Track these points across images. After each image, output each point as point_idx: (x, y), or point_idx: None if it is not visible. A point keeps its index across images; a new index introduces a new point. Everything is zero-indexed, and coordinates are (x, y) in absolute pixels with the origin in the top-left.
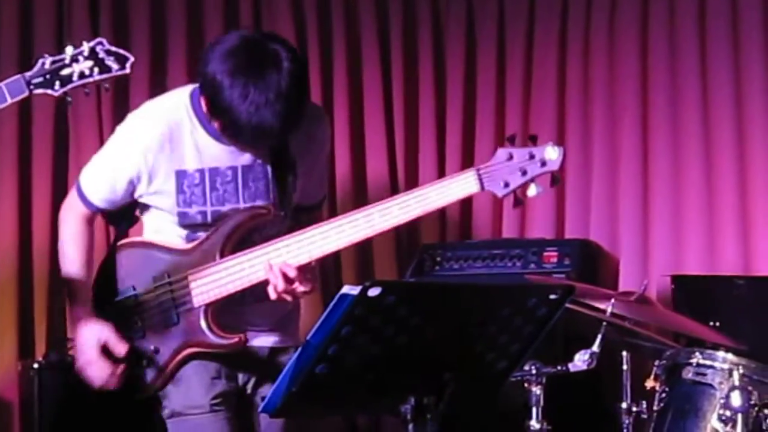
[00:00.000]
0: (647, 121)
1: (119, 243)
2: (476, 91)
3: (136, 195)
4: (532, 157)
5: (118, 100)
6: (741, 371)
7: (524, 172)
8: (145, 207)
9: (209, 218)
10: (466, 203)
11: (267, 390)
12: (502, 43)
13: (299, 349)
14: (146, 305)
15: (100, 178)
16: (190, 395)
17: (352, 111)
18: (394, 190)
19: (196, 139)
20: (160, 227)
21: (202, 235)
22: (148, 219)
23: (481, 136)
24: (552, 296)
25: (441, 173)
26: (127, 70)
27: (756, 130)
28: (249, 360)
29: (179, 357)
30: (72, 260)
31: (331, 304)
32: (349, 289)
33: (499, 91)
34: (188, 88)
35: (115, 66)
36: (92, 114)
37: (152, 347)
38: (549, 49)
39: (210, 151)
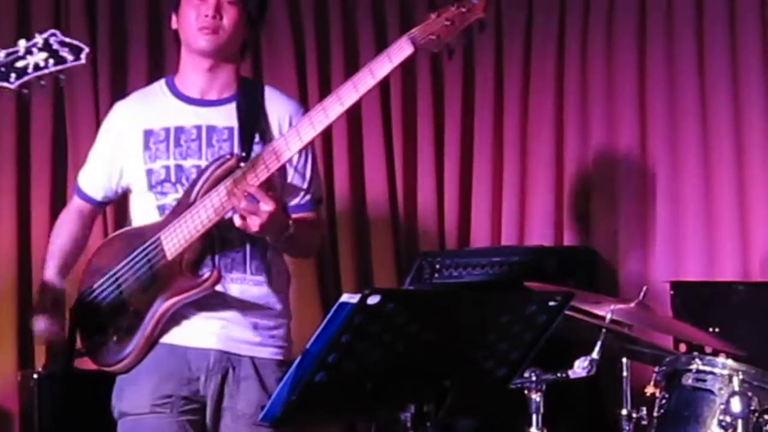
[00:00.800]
0: (645, 128)
1: (104, 241)
2: (474, 100)
3: (115, 174)
4: (457, 8)
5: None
6: (741, 377)
7: (452, 22)
8: (129, 192)
9: (172, 174)
10: (464, 210)
11: (236, 402)
12: (500, 50)
13: (299, 357)
14: (124, 277)
15: (92, 164)
16: (136, 395)
17: (350, 122)
18: (392, 201)
19: (166, 103)
20: (139, 210)
21: (171, 202)
22: (131, 209)
23: (480, 145)
24: (551, 303)
25: (440, 184)
26: (83, 61)
27: (754, 135)
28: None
29: (159, 313)
30: (51, 242)
31: (330, 312)
32: (348, 297)
33: (497, 99)
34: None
35: (69, 57)
36: (91, 121)
37: (131, 309)
38: (546, 56)
39: (177, 112)
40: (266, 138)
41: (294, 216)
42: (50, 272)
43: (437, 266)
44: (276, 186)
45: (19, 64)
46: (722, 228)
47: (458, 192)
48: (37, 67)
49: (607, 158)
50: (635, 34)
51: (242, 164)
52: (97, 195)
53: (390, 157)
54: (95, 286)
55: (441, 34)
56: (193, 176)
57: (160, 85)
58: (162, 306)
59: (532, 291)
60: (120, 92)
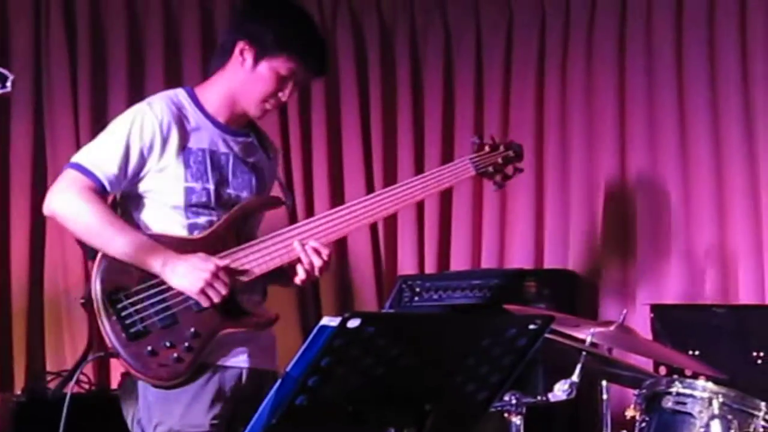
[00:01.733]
0: (625, 152)
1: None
2: (454, 122)
3: (143, 173)
4: (506, 147)
5: (97, 115)
6: (721, 400)
7: (505, 159)
8: (139, 200)
9: (212, 198)
10: (444, 233)
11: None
12: (480, 71)
13: (278, 381)
14: (169, 292)
15: (109, 149)
16: (191, 412)
17: (329, 142)
18: (372, 225)
19: (197, 120)
20: (160, 220)
21: (204, 223)
22: (146, 217)
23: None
24: (531, 326)
25: (420, 207)
26: (8, 89)
27: (735, 159)
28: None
29: (216, 338)
30: (107, 223)
31: (311, 336)
32: (329, 321)
33: (477, 122)
34: (179, 88)
35: None
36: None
37: (192, 330)
38: (526, 79)
39: (210, 134)
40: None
41: None
42: (138, 234)
43: (417, 289)
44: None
45: None
46: (702, 251)
47: (438, 215)
48: None
49: (587, 181)
50: (614, 49)
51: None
52: (111, 186)
53: (370, 180)
54: (134, 289)
55: (497, 168)
56: (229, 204)
57: (184, 98)
58: (222, 332)
59: (513, 314)
60: (101, 104)
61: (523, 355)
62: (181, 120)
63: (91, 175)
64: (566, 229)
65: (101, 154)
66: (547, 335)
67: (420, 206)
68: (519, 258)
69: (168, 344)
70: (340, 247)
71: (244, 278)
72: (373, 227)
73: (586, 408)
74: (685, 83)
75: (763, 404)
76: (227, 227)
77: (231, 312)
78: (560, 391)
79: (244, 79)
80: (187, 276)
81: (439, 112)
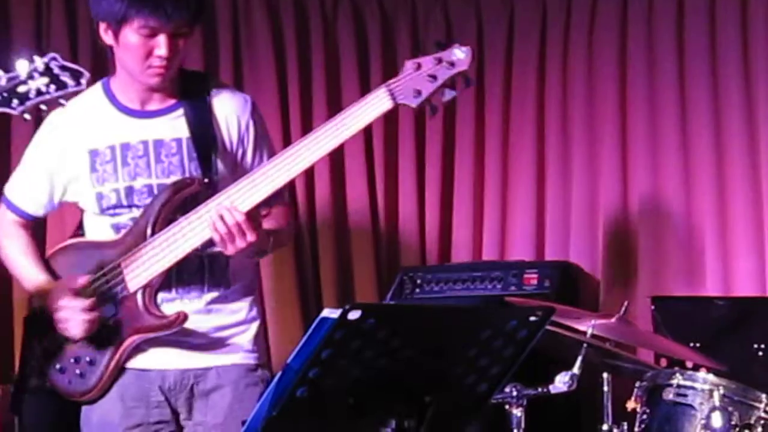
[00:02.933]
0: (626, 144)
1: (49, 253)
2: (456, 115)
3: (58, 192)
4: (439, 61)
5: None
6: (721, 392)
7: (434, 78)
8: (77, 206)
9: (123, 196)
10: (445, 225)
11: (206, 415)
12: (481, 68)
13: (279, 372)
14: None
15: (21, 177)
16: (106, 426)
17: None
18: (374, 216)
19: (107, 116)
20: (92, 227)
21: (127, 221)
22: (84, 224)
23: (461, 159)
24: (532, 318)
25: (421, 198)
26: (83, 86)
27: (735, 151)
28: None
29: (122, 349)
30: (15, 259)
31: (311, 328)
32: (329, 313)
33: (479, 113)
34: (98, 82)
35: (70, 82)
36: None
37: (93, 339)
38: (527, 74)
39: (121, 127)
40: (219, 147)
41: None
42: (33, 271)
43: (418, 281)
44: (258, 213)
45: (21, 89)
46: (703, 243)
47: (439, 207)
48: (39, 93)
49: (588, 174)
50: (616, 53)
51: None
52: (37, 211)
53: (371, 172)
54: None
55: (423, 89)
56: (146, 197)
57: (98, 93)
58: (126, 341)
59: (513, 306)
60: None
61: (524, 347)
62: (82, 121)
63: (10, 205)
64: (567, 221)
65: (19, 182)
66: (548, 327)
67: (421, 197)
68: (520, 250)
69: (73, 360)
70: (341, 238)
71: (149, 278)
72: (375, 219)
73: (587, 400)
74: (686, 77)
75: (763, 396)
76: (143, 222)
77: (135, 317)
78: (561, 383)
79: (120, 56)
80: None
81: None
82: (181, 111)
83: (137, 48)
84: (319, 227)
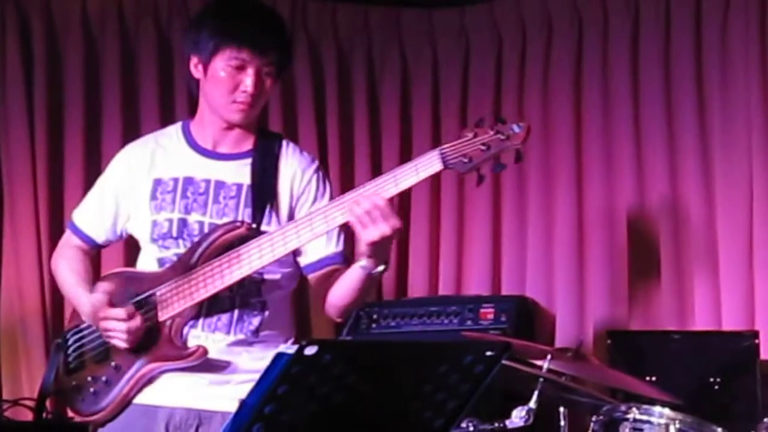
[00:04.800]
0: (581, 179)
1: (101, 277)
2: (412, 150)
3: (122, 219)
4: (496, 132)
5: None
6: (678, 426)
7: (487, 147)
8: (135, 239)
9: (174, 228)
10: (402, 260)
11: None
12: (437, 103)
13: (236, 409)
14: None
15: (89, 202)
16: None
17: None
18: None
19: (178, 150)
20: (142, 258)
21: (171, 256)
22: (139, 257)
23: (417, 195)
24: (488, 353)
25: None
26: None
27: (689, 184)
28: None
29: (140, 374)
30: (65, 277)
31: (268, 363)
32: (286, 348)
33: (435, 138)
34: (181, 121)
35: None
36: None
37: (113, 364)
38: (482, 108)
39: (188, 162)
40: (277, 199)
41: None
42: (80, 292)
43: (375, 316)
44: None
45: None
46: (659, 277)
47: (396, 241)
48: None
49: (543, 208)
50: (571, 80)
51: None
52: (99, 237)
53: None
54: (83, 326)
55: (474, 157)
56: (196, 233)
57: (176, 129)
58: (143, 368)
59: (470, 341)
60: (58, 150)
61: (480, 381)
62: (154, 153)
63: (75, 229)
64: (523, 255)
65: (86, 207)
66: (504, 362)
67: None
68: (476, 284)
69: (90, 378)
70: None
71: (177, 309)
72: None
73: None
74: (641, 108)
75: (719, 430)
76: (184, 258)
77: (157, 346)
78: (518, 417)
79: (207, 90)
80: (92, 321)
81: (396, 137)
82: (249, 159)
83: (225, 80)
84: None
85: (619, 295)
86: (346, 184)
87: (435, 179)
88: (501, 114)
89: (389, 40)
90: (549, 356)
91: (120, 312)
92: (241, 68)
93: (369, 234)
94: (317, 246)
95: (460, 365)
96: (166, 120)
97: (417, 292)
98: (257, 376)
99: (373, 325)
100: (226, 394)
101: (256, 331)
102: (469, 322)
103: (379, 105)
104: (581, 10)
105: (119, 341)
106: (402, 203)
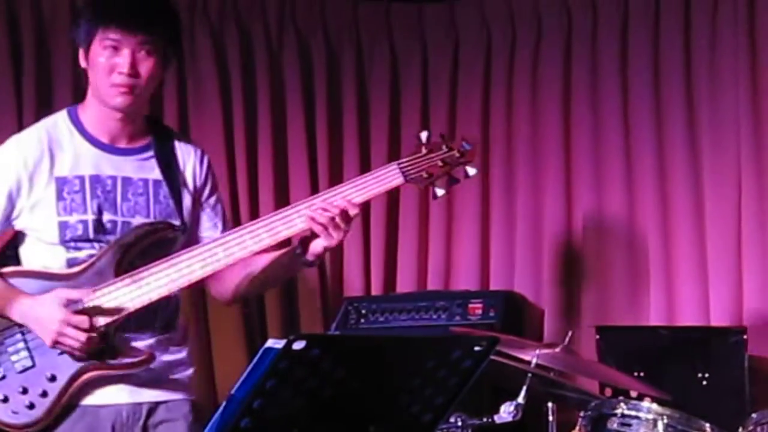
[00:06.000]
0: (570, 175)
1: (4, 273)
2: (401, 146)
3: (14, 215)
4: (449, 149)
5: None
6: (665, 421)
7: (445, 163)
8: (22, 236)
9: (90, 230)
10: (390, 255)
11: None
12: (426, 100)
13: (223, 403)
14: (36, 337)
15: None
16: None
17: (275, 166)
18: None
19: (76, 145)
20: (39, 256)
21: (85, 257)
22: (25, 252)
23: (406, 191)
24: (477, 348)
25: (366, 229)
26: None
27: (678, 181)
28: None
29: (77, 383)
30: None
31: (256, 358)
32: (274, 343)
33: None
34: (63, 110)
35: None
36: None
37: (48, 374)
38: (472, 105)
39: (90, 158)
40: (183, 190)
41: None
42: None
43: (363, 311)
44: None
45: None
46: (647, 272)
47: (384, 237)
48: None
49: (532, 204)
50: (560, 76)
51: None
52: None
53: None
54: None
55: (433, 173)
56: (110, 233)
57: (65, 120)
58: (86, 375)
59: (458, 336)
60: None
61: (469, 376)
62: (52, 149)
63: None
64: (512, 251)
65: None
66: (492, 357)
67: (366, 228)
68: (465, 280)
69: (21, 390)
70: None
71: (116, 316)
72: None
73: (532, 430)
74: (629, 108)
75: (707, 425)
76: (106, 260)
77: (99, 352)
78: (506, 412)
79: (91, 78)
80: (41, 328)
81: (385, 132)
82: (150, 153)
83: (102, 64)
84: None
85: (608, 291)
86: (335, 177)
87: None
88: (489, 113)
89: (378, 34)
90: (537, 351)
91: (84, 320)
92: (115, 49)
93: (329, 240)
94: (212, 231)
95: (448, 360)
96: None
97: (405, 287)
98: (183, 367)
99: (362, 320)
100: (164, 387)
101: (176, 329)
102: (457, 318)
103: (369, 99)
104: (570, 4)
105: (75, 350)
106: (390, 198)
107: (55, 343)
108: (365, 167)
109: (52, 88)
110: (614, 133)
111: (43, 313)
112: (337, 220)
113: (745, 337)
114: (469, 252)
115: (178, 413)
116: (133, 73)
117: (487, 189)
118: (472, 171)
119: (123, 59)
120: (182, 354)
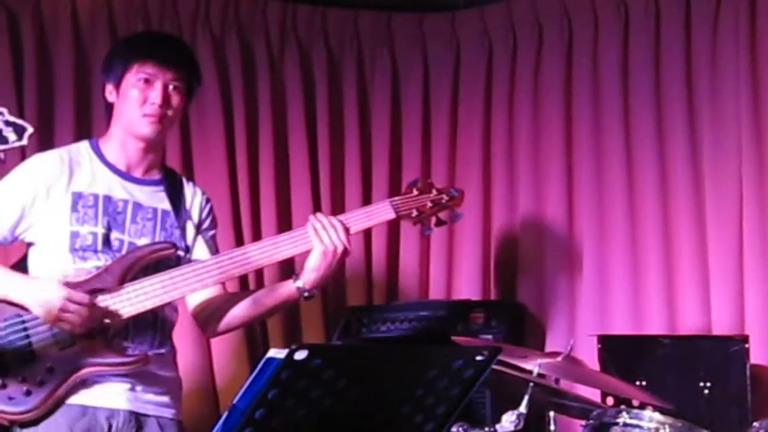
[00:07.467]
0: (572, 185)
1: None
2: (402, 155)
3: (23, 227)
4: (439, 192)
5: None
6: (667, 430)
7: (434, 204)
8: (32, 245)
9: (99, 242)
10: (392, 264)
11: None
12: (427, 107)
13: (225, 412)
14: (37, 329)
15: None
16: None
17: (277, 173)
18: None
19: (94, 168)
20: (46, 266)
21: (91, 269)
22: (33, 262)
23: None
24: (478, 357)
25: (368, 238)
26: (25, 142)
27: (679, 189)
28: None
29: (77, 376)
30: None
31: (258, 368)
32: (276, 353)
33: (425, 153)
34: (85, 140)
35: (12, 137)
36: None
37: (46, 364)
38: (473, 113)
39: (105, 180)
40: (188, 222)
41: None
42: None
43: (365, 321)
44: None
45: None
46: (648, 282)
47: (386, 246)
48: None
49: (534, 214)
50: (561, 89)
51: (180, 253)
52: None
53: (317, 210)
54: (1, 325)
55: (424, 211)
56: (116, 249)
57: (86, 148)
58: (83, 371)
59: (460, 345)
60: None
61: (471, 386)
62: (72, 167)
63: None
64: (514, 260)
65: None
66: (494, 366)
67: (368, 237)
68: (467, 289)
69: (20, 378)
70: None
71: (114, 319)
72: None
73: None
74: (631, 114)
75: None
76: (111, 272)
77: (95, 351)
78: (508, 422)
79: (120, 109)
80: (42, 304)
81: (386, 143)
82: (161, 187)
83: (135, 96)
84: (265, 268)
85: (610, 300)
86: (336, 187)
87: (424, 180)
88: (490, 122)
89: (380, 44)
90: (539, 360)
91: (85, 297)
92: (148, 83)
93: (326, 243)
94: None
95: (450, 369)
96: None
97: (407, 296)
98: (175, 386)
99: (364, 330)
100: (158, 401)
101: (171, 345)
102: (459, 327)
103: (370, 109)
104: (571, 15)
105: (74, 325)
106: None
107: (56, 320)
108: (367, 176)
109: (53, 97)
110: (615, 140)
111: (45, 290)
112: (337, 226)
113: (747, 345)
114: (471, 261)
115: (167, 431)
116: (165, 104)
117: (489, 198)
118: (458, 215)
119: (156, 92)
120: (174, 373)
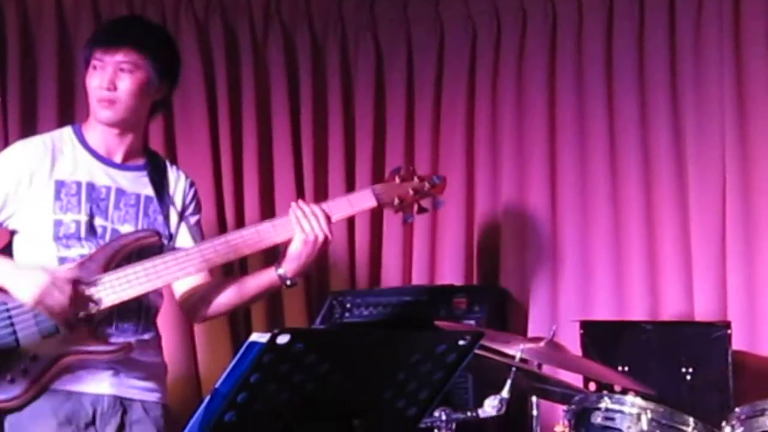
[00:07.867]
0: (555, 171)
1: None
2: (385, 140)
3: (6, 214)
4: (421, 180)
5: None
6: (649, 416)
7: (416, 192)
8: (16, 233)
9: (83, 230)
10: (375, 249)
11: None
12: (411, 91)
13: (208, 396)
14: (21, 317)
15: None
16: None
17: (260, 160)
18: None
19: (76, 155)
20: (31, 254)
21: (75, 257)
22: (18, 251)
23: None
24: (461, 342)
25: (351, 222)
26: None
27: (662, 175)
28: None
29: (57, 366)
30: None
31: (240, 352)
32: (258, 337)
33: (408, 138)
34: (68, 126)
35: None
36: None
37: (31, 354)
38: (457, 97)
39: (88, 167)
40: (171, 209)
41: None
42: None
43: (348, 305)
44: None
45: None
46: (631, 268)
47: (369, 231)
48: None
49: (517, 199)
50: (545, 74)
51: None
52: None
53: (300, 195)
54: None
55: (405, 199)
56: (100, 236)
57: (69, 133)
58: (66, 359)
59: (443, 330)
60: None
61: (453, 370)
62: (54, 154)
63: None
64: (497, 245)
65: None
66: (477, 351)
67: (351, 223)
68: (450, 274)
69: (4, 367)
70: (270, 262)
71: (96, 307)
72: None
73: (516, 424)
74: (615, 100)
75: (691, 420)
76: (95, 259)
77: (78, 339)
78: (490, 407)
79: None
80: (25, 285)
81: (370, 126)
82: (144, 173)
83: (89, 83)
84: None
85: (593, 285)
86: (320, 171)
87: (407, 165)
88: (474, 108)
89: (363, 29)
90: (521, 345)
91: (68, 280)
92: (100, 69)
93: (307, 232)
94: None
95: (433, 354)
96: None
97: (390, 282)
98: (160, 370)
99: (346, 314)
100: (142, 386)
101: (156, 332)
102: (441, 312)
103: (354, 92)
104: (556, 2)
105: (58, 309)
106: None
107: (38, 303)
108: (350, 160)
109: (36, 85)
110: (599, 126)
111: (29, 274)
112: (318, 215)
113: (729, 331)
114: (453, 246)
115: (151, 415)
116: (111, 87)
117: (472, 182)
118: (440, 202)
119: (103, 76)
120: (160, 357)
